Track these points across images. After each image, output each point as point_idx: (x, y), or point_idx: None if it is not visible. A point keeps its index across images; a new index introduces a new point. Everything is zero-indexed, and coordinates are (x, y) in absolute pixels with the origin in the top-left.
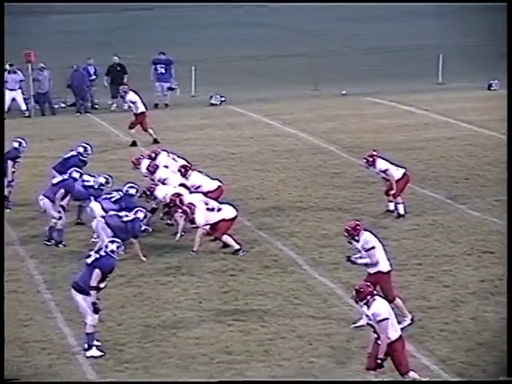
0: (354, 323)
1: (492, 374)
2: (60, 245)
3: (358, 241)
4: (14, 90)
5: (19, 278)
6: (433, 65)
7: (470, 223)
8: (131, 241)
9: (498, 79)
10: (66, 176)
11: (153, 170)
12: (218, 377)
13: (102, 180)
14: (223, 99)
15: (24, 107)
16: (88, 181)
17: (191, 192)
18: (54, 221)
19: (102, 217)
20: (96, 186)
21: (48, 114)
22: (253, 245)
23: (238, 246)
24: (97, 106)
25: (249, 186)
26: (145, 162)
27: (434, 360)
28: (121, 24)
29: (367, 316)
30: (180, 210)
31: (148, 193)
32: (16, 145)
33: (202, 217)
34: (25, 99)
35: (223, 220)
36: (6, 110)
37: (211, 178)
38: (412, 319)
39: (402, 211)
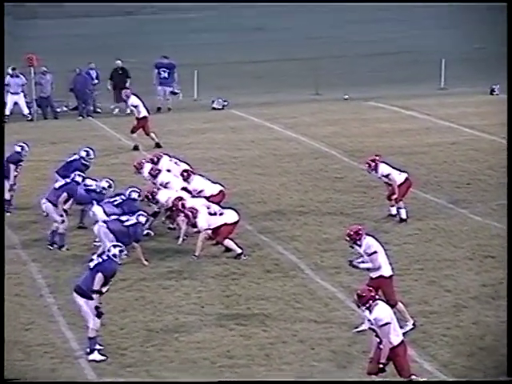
0: (356, 328)
1: (493, 377)
2: (62, 248)
3: (360, 245)
4: (17, 93)
5: (21, 281)
6: (435, 69)
7: (471, 228)
8: (133, 245)
9: (500, 84)
10: (68, 180)
11: (155, 174)
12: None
13: (104, 184)
14: (225, 103)
15: (26, 111)
16: (90, 185)
17: (193, 196)
18: (56, 225)
19: (104, 221)
20: (98, 190)
21: (50, 118)
22: (254, 249)
23: (239, 250)
24: (99, 110)
25: (250, 190)
26: (147, 166)
27: (436, 365)
28: (123, 28)
29: (369, 320)
30: (182, 214)
31: (150, 197)
32: (18, 149)
33: (204, 221)
34: (27, 103)
35: (225, 224)
36: (8, 113)
37: (213, 182)
38: (414, 324)
39: (404, 216)
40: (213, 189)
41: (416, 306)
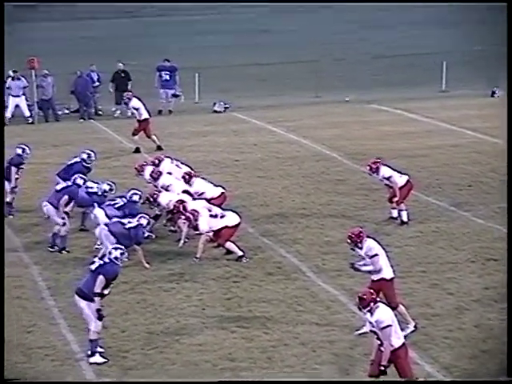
0: (358, 330)
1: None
2: (63, 251)
3: (361, 248)
4: (18, 96)
5: (23, 284)
6: (436, 72)
7: (473, 230)
8: (134, 247)
9: (502, 86)
10: (69, 182)
11: (156, 176)
12: None
13: (105, 187)
14: (227, 106)
15: (28, 114)
16: (92, 187)
17: (194, 199)
18: (58, 227)
19: (105, 224)
20: (100, 193)
21: (51, 121)
22: (256, 251)
23: (241, 253)
24: (100, 113)
25: (252, 193)
26: (148, 169)
27: (438, 367)
28: (127, 30)
29: (370, 323)
30: (183, 217)
31: (151, 199)
32: (20, 151)
33: (206, 223)
34: (28, 106)
35: (226, 227)
36: (9, 116)
37: (214, 185)
38: (415, 326)
39: (405, 218)
40: (214, 191)
41: (418, 309)
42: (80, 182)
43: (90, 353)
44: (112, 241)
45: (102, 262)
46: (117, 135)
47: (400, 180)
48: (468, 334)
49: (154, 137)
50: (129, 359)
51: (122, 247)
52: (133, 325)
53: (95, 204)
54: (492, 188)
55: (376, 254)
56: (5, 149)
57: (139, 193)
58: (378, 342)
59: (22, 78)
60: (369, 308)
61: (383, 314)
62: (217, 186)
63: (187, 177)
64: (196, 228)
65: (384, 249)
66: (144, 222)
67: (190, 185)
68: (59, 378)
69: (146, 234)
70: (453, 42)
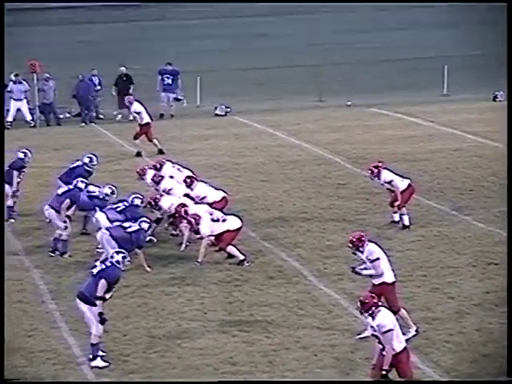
0: (359, 334)
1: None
2: (65, 255)
3: (362, 252)
4: (20, 100)
5: (24, 288)
6: (438, 76)
7: (474, 234)
8: (136, 251)
9: (503, 90)
10: (71, 186)
11: (158, 180)
12: None
13: (107, 190)
14: (228, 110)
15: (29, 117)
16: (93, 191)
17: (196, 202)
18: (59, 231)
19: (107, 228)
20: (101, 197)
21: (53, 125)
22: (257, 255)
23: (242, 257)
24: (102, 116)
25: (253, 197)
26: (150, 173)
27: (439, 371)
28: (126, 34)
29: (372, 327)
30: (185, 221)
31: (153, 203)
32: (21, 155)
33: (207, 227)
34: (30, 109)
35: (228, 231)
36: (11, 120)
37: (216, 189)
38: (417, 330)
39: (406, 222)
40: (216, 195)
41: (419, 313)
42: (81, 185)
43: (91, 356)
44: (113, 245)
45: (103, 266)
46: (118, 139)
47: (401, 184)
48: (469, 337)
49: (155, 141)
50: (130, 363)
51: (124, 251)
52: (134, 328)
53: (97, 208)
54: (493, 192)
55: (377, 258)
56: (6, 152)
57: (141, 197)
58: (380, 347)
59: (24, 82)
60: (370, 312)
61: (385, 318)
62: (218, 189)
63: (189, 181)
64: (197, 232)
65: (385, 253)
66: (145, 225)
67: (192, 189)
68: (61, 382)
69: (148, 238)
70: (454, 45)
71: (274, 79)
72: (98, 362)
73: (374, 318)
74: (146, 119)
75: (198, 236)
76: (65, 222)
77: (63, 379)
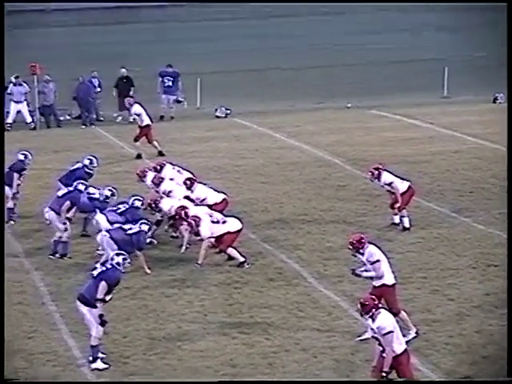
0: (359, 336)
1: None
2: (65, 257)
3: (362, 254)
4: (20, 102)
5: (24, 290)
6: (438, 78)
7: (474, 236)
8: (136, 253)
9: (504, 92)
10: (71, 188)
11: (158, 182)
12: None
13: (107, 192)
14: (228, 112)
15: (29, 119)
16: (93, 193)
17: (196, 204)
18: (59, 234)
19: (107, 231)
20: (101, 199)
21: (53, 127)
22: (257, 257)
23: (242, 259)
24: (102, 118)
25: (253, 199)
26: (150, 175)
27: (439, 373)
28: (127, 37)
29: (372, 329)
30: (185, 223)
31: (153, 205)
32: (21, 157)
33: (207, 229)
34: (30, 111)
35: (228, 233)
36: (11, 122)
37: (216, 191)
38: (417, 332)
39: (407, 224)
40: (216, 197)
41: (419, 315)
42: (82, 187)
43: (91, 358)
44: (114, 247)
45: (104, 268)
46: (118, 141)
47: (402, 186)
48: (469, 339)
49: (155, 143)
50: (130, 365)
51: (124, 253)
52: (134, 330)
53: (97, 210)
54: (493, 194)
55: (377, 260)
56: (6, 154)
57: (141, 198)
58: (380, 349)
59: (24, 84)
60: (370, 314)
61: (385, 320)
62: (218, 191)
63: (189, 183)
64: (198, 234)
65: (385, 255)
66: (146, 227)
67: (192, 191)
68: None
69: (148, 240)
70: (454, 47)
71: (274, 81)
72: (98, 364)
73: (374, 320)
74: (147, 121)
75: (198, 238)
76: (65, 223)
77: (63, 381)
